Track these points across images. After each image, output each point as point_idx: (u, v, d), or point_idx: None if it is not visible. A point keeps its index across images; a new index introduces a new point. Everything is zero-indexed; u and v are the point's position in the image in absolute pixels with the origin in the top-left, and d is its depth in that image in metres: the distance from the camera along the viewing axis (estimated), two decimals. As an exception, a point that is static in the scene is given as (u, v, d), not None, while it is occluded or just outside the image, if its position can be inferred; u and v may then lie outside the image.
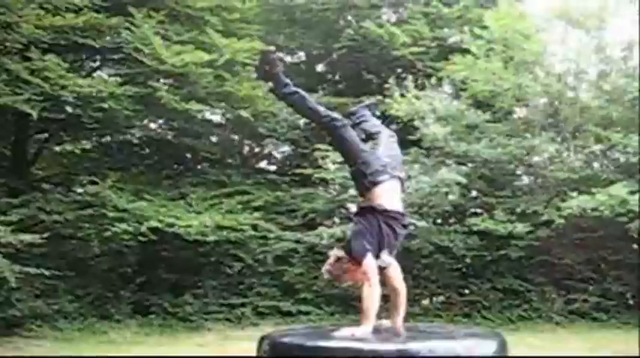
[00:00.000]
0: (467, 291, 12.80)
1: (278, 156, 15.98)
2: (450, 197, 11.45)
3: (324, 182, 12.96)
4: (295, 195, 13.43)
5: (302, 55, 16.13)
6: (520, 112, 13.14)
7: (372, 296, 3.84)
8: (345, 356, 3.57)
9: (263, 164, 16.10)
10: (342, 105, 12.83)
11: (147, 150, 14.64)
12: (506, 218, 11.57)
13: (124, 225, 11.26)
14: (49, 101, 10.79)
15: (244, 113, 12.37)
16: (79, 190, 12.91)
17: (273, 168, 15.76)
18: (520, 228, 11.27)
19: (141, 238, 11.49)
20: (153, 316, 12.17)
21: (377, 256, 4.02)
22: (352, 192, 12.67)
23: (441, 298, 12.92)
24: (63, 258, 12.34)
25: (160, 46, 11.11)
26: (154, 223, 11.30)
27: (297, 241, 12.59)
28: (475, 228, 11.83)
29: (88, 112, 11.45)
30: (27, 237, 9.98)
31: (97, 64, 13.27)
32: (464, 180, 11.22)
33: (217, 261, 12.97)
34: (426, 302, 13.03)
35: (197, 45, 11.66)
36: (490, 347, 3.83)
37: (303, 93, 4.23)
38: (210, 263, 13.02)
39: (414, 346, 3.77)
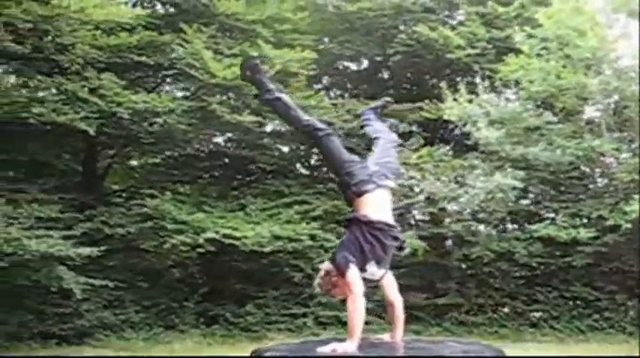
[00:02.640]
0: (533, 300, 12.28)
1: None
2: (509, 203, 11.00)
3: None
4: (355, 203, 13.24)
5: (365, 62, 15.99)
6: (587, 113, 12.49)
7: (356, 309, 3.72)
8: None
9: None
10: (401, 111, 12.72)
11: (212, 163, 14.89)
12: (569, 223, 11.05)
13: (181, 237, 11.50)
14: (106, 118, 11.17)
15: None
16: (148, 203, 13.23)
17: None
18: (583, 233, 10.73)
19: (200, 250, 11.69)
20: (216, 326, 12.33)
21: (364, 269, 3.91)
22: (417, 198, 12.41)
23: (507, 308, 12.46)
24: (131, 270, 12.70)
25: (211, 60, 11.27)
26: (210, 234, 11.44)
27: (356, 250, 12.40)
28: (536, 235, 11.34)
29: (146, 128, 11.79)
30: (86, 250, 10.35)
31: (159, 80, 13.63)
32: (520, 185, 10.78)
33: (279, 271, 12.98)
34: (491, 311, 12.58)
35: (248, 57, 11.74)
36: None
37: (286, 99, 4.13)
38: (273, 273, 13.05)
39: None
